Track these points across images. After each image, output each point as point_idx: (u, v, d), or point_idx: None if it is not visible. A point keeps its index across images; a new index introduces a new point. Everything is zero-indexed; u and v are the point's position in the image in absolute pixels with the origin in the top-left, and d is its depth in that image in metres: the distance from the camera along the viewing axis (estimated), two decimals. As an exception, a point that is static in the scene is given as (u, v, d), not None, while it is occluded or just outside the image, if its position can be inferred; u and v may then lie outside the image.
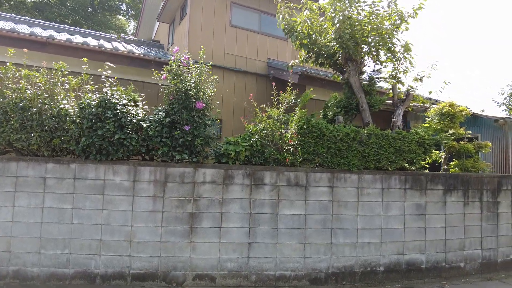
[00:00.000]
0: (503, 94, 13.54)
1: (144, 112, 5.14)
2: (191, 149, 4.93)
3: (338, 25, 5.49)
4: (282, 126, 5.40)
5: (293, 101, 5.42)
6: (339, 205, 5.33)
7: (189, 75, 4.92)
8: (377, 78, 6.39)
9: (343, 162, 5.28)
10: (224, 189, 5.07)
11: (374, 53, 6.13)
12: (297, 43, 6.26)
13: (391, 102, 6.69)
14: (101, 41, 8.02)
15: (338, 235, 5.29)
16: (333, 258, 5.25)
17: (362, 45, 5.92)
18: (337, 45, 5.85)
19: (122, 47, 7.44)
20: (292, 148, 5.27)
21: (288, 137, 5.24)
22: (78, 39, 6.95)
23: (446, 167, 6.73)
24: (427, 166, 7.18)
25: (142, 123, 4.89)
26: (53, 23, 9.38)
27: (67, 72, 5.21)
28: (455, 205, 5.96)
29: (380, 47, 6.02)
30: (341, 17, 5.39)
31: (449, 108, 6.48)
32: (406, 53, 6.58)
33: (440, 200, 5.85)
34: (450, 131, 6.25)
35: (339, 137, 5.25)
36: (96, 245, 4.83)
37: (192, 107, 4.82)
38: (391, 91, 6.68)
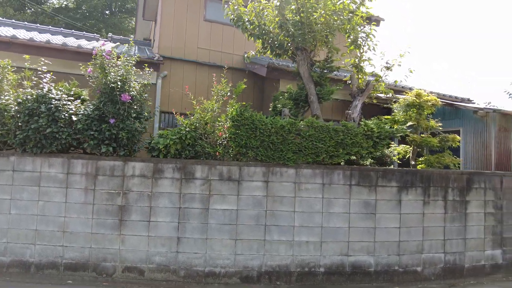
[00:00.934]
0: None
1: (82, 106, 5.23)
2: (118, 142, 4.94)
3: (277, 12, 5.23)
4: (218, 119, 5.25)
5: (229, 93, 5.25)
6: (274, 200, 5.09)
7: (116, 68, 4.92)
8: (328, 67, 6.00)
9: (277, 156, 5.03)
10: (153, 183, 5.03)
11: (328, 40, 5.76)
12: (248, 33, 6.05)
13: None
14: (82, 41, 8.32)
15: (272, 232, 5.06)
16: (266, 256, 5.03)
17: (311, 33, 5.58)
18: (282, 34, 5.58)
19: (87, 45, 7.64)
20: (225, 142, 5.11)
21: (221, 129, 5.08)
22: (41, 38, 7.24)
23: (413, 162, 6.19)
24: (399, 162, 6.71)
25: (73, 117, 4.98)
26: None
27: (13, 69, 5.44)
28: (412, 204, 5.46)
29: (332, 34, 5.66)
30: (278, 3, 5.12)
31: (415, 98, 5.93)
32: (368, 39, 6.17)
33: (394, 198, 5.39)
34: (409, 123, 5.71)
35: (273, 130, 5.00)
36: (32, 235, 4.99)
37: (117, 100, 4.83)
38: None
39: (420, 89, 6.17)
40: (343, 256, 5.19)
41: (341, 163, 5.43)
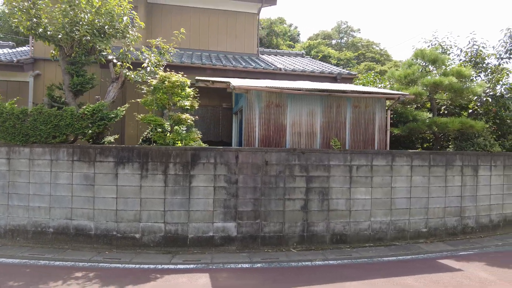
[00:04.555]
0: None
1: None
2: None
3: (19, 13, 6.27)
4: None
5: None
6: (15, 174, 6.27)
7: None
8: (79, 61, 6.71)
9: (11, 138, 6.16)
10: None
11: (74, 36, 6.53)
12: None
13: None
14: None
15: (14, 198, 6.27)
16: (10, 217, 6.27)
17: (57, 32, 6.45)
18: (35, 35, 6.60)
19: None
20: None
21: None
22: None
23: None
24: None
25: None
26: None
27: None
28: (129, 177, 6.02)
29: (77, 32, 6.44)
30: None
31: (158, 81, 6.31)
32: (130, 30, 6.76)
33: (111, 172, 6.04)
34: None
35: (7, 117, 6.16)
36: None
37: None
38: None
39: (173, 71, 6.50)
40: (68, 220, 6.12)
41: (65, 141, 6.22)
